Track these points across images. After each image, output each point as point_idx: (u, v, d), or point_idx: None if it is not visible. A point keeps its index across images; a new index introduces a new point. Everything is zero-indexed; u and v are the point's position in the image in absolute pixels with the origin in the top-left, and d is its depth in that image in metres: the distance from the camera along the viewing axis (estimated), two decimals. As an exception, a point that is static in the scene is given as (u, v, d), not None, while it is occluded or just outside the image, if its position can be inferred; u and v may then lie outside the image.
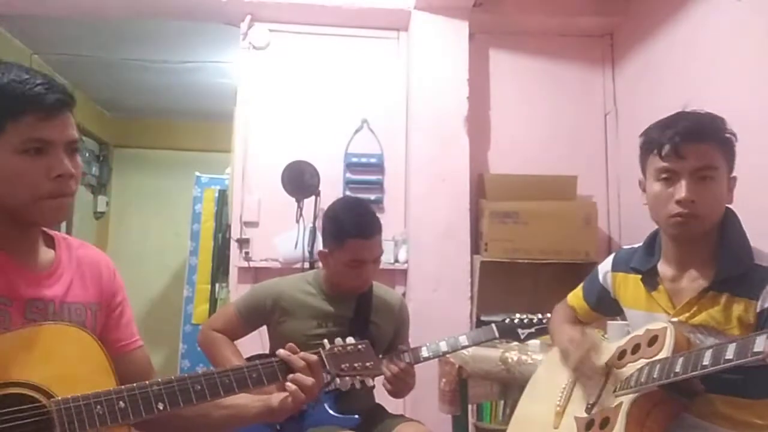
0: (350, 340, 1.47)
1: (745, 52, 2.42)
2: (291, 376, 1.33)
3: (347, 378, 1.43)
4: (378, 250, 2.06)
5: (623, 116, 3.46)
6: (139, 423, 1.22)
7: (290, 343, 1.38)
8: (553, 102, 3.57)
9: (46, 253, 1.25)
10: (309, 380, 1.32)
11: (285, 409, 1.34)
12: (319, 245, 3.11)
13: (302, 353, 1.36)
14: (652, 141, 1.51)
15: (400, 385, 1.96)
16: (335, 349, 1.44)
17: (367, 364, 1.46)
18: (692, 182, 1.43)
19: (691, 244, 1.49)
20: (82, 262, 1.30)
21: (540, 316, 2.05)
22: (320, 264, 2.18)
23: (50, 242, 1.28)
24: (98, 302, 1.29)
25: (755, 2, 2.37)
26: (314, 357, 1.36)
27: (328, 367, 1.40)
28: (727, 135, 1.47)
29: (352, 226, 2.01)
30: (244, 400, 1.35)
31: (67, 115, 1.18)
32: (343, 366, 1.43)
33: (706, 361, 1.24)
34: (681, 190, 1.43)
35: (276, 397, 1.35)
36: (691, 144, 1.43)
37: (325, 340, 1.46)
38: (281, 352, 1.35)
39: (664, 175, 1.47)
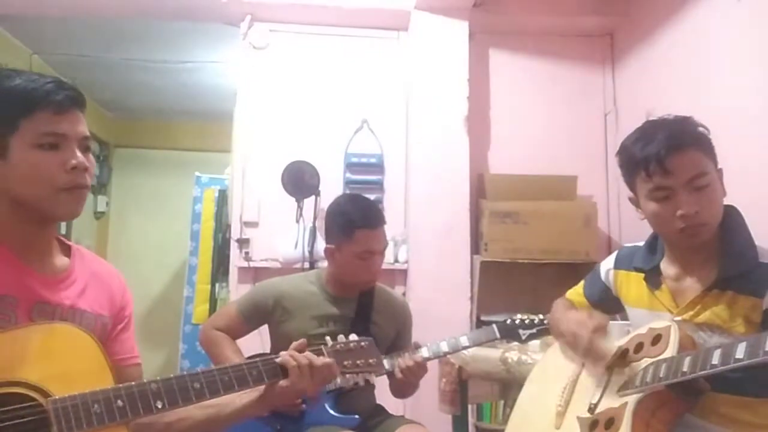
0: (353, 337, 1.45)
1: (745, 51, 2.42)
2: (294, 352, 1.31)
3: (350, 375, 1.41)
4: (385, 241, 2.10)
5: (623, 116, 3.46)
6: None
7: (302, 340, 1.37)
8: (553, 102, 3.57)
9: (60, 260, 1.27)
10: (321, 360, 1.31)
11: (281, 395, 1.31)
12: (319, 245, 3.15)
13: (307, 353, 1.34)
14: (633, 160, 1.47)
15: (411, 379, 1.95)
16: (338, 346, 1.42)
17: (370, 360, 1.44)
18: (689, 193, 1.41)
19: (695, 245, 1.48)
20: (96, 275, 1.31)
21: (541, 316, 2.04)
22: (320, 264, 2.17)
23: (66, 251, 1.30)
24: (109, 315, 1.30)
25: (755, 2, 2.37)
26: (319, 360, 1.34)
27: None
28: (701, 132, 1.45)
29: (360, 216, 2.05)
30: (230, 397, 1.31)
31: (77, 112, 1.22)
32: (345, 363, 1.40)
33: (714, 361, 1.21)
34: (681, 204, 1.40)
35: (269, 386, 1.32)
36: (676, 155, 1.40)
37: (328, 337, 1.44)
38: (283, 355, 1.32)
39: (658, 194, 1.44)
